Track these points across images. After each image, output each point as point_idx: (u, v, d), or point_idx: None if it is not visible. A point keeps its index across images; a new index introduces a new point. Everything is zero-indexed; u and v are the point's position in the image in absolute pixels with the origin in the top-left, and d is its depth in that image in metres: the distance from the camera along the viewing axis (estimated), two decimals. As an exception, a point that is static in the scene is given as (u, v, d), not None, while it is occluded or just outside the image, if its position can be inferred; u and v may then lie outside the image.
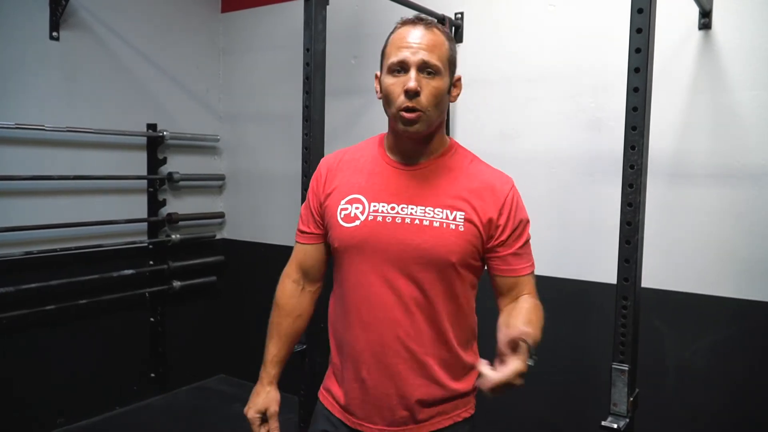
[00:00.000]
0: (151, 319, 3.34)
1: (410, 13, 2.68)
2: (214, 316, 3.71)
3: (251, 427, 1.35)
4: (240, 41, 3.66)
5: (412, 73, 1.19)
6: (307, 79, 1.98)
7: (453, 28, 2.78)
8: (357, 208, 1.27)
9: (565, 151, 2.54)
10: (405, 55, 1.20)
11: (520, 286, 1.29)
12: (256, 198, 3.63)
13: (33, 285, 2.76)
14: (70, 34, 2.96)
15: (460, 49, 2.80)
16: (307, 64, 1.98)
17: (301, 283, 1.42)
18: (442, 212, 1.24)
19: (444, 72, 1.22)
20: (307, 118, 1.99)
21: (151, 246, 3.31)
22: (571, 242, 2.53)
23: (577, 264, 2.52)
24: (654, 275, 2.32)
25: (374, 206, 1.26)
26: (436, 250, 1.22)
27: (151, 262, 3.31)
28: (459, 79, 1.30)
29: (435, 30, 1.23)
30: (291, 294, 1.41)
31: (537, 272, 2.09)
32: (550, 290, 2.57)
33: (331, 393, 1.37)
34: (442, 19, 2.71)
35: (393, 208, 1.25)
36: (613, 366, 1.45)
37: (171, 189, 3.44)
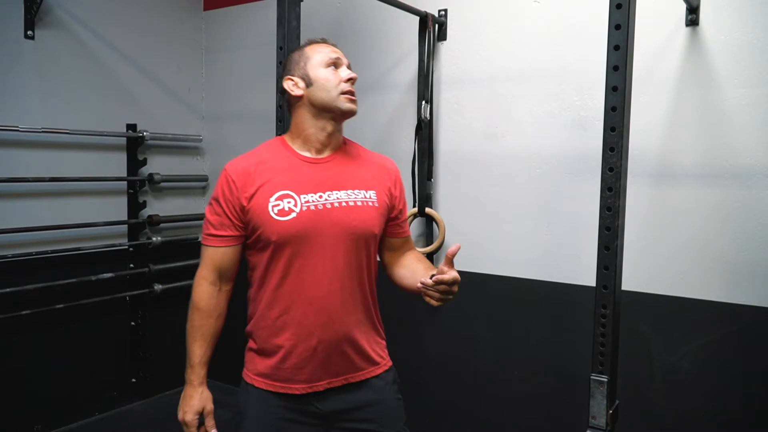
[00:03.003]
0: (132, 323, 3.28)
1: (392, 11, 2.64)
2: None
3: (189, 430, 1.46)
4: (223, 39, 3.60)
5: (348, 68, 1.55)
6: (280, 78, 1.91)
7: (436, 25, 2.72)
8: (289, 202, 1.44)
9: (550, 150, 2.48)
10: (336, 55, 1.53)
11: (408, 243, 1.68)
12: (240, 199, 3.56)
13: (8, 290, 2.69)
14: (46, 33, 2.89)
15: (444, 47, 2.74)
16: (280, 63, 1.91)
17: (218, 284, 1.52)
18: (360, 193, 1.50)
19: None
20: (280, 119, 1.93)
21: (131, 249, 3.24)
22: (557, 244, 2.48)
23: (563, 267, 2.46)
24: (639, 278, 2.27)
25: (304, 198, 1.45)
26: (365, 224, 1.49)
27: (131, 265, 3.24)
28: None
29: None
30: (210, 296, 1.51)
31: (524, 275, 2.32)
32: (536, 293, 2.53)
33: (263, 374, 1.50)
34: (425, 16, 2.65)
35: (321, 197, 1.46)
36: (592, 377, 1.39)
37: (152, 190, 3.37)
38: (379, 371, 1.57)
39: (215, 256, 1.49)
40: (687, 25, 2.17)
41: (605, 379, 1.38)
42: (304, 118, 1.53)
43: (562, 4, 2.43)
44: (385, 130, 2.93)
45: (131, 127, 3.23)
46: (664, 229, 2.25)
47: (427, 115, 2.67)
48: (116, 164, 3.20)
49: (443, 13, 2.73)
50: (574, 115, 2.41)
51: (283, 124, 1.92)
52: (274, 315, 1.48)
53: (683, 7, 2.15)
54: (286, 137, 1.57)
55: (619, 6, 1.33)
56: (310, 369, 1.47)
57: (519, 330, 2.58)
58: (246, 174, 1.46)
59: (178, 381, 3.75)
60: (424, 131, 2.69)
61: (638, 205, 2.27)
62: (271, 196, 1.44)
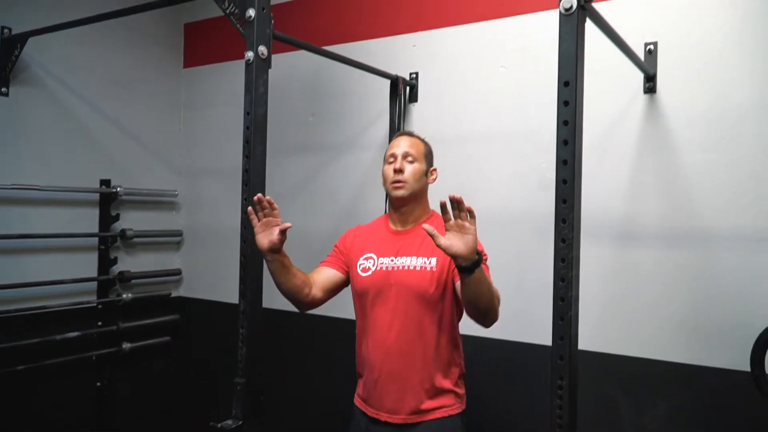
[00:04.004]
0: (98, 384, 3.20)
1: (366, 75, 2.71)
2: (168, 377, 3.57)
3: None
4: (202, 96, 3.64)
5: (399, 159, 1.93)
6: (246, 142, 1.93)
7: (408, 87, 2.78)
8: (370, 261, 1.95)
9: (519, 210, 2.52)
10: (394, 150, 1.97)
11: None
12: (215, 254, 3.54)
13: (-33, 351, 2.63)
14: (21, 89, 2.91)
15: (415, 108, 2.80)
16: (247, 128, 1.93)
17: (309, 285, 1.95)
18: (422, 259, 1.89)
19: (420, 160, 1.97)
20: (246, 183, 1.94)
21: (100, 306, 3.19)
22: (527, 304, 2.48)
23: (535, 327, 2.46)
24: (606, 339, 2.28)
25: (381, 260, 1.94)
26: (419, 285, 1.86)
27: (99, 323, 3.19)
28: (435, 170, 2.04)
29: (414, 135, 2.04)
30: (305, 277, 1.95)
31: (494, 335, 2.34)
32: (508, 354, 2.52)
33: (359, 395, 2.01)
34: (396, 79, 2.71)
35: (392, 260, 1.92)
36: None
37: (124, 246, 3.35)
38: (434, 416, 1.87)
39: (316, 270, 2.03)
40: (645, 92, 2.25)
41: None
42: (388, 205, 2.08)
43: (528, 70, 2.51)
44: (358, 188, 2.96)
45: (105, 182, 3.23)
46: (628, 289, 2.27)
47: (398, 175, 2.71)
48: (88, 220, 3.19)
49: (414, 75, 2.80)
50: (541, 176, 2.46)
51: (248, 188, 1.93)
52: (359, 347, 1.99)
53: (641, 75, 2.22)
54: (388, 213, 2.08)
55: (566, 84, 1.38)
56: (375, 398, 1.91)
57: (490, 390, 2.55)
58: (353, 236, 2.06)
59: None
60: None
61: (603, 266, 2.30)
62: (361, 256, 1.97)
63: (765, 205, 2.05)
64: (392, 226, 2.00)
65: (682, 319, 2.17)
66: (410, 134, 2.03)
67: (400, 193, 1.91)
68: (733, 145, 2.09)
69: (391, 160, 1.95)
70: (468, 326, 2.60)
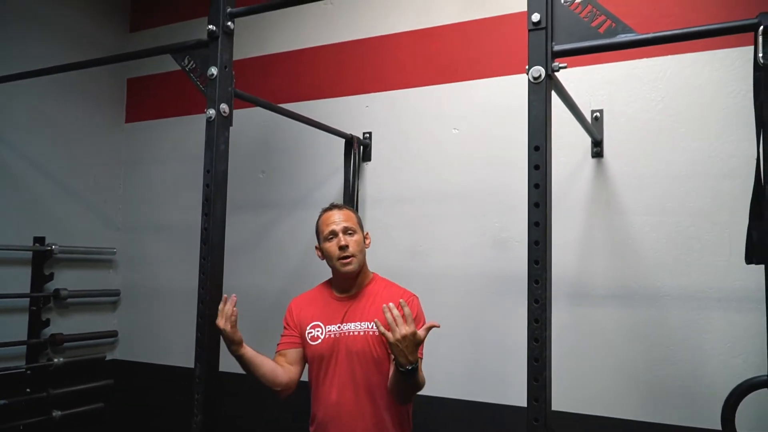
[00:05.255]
0: (24, 457, 2.94)
1: (319, 133, 2.72)
2: (100, 448, 3.32)
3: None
4: (143, 152, 3.55)
5: (341, 235, 2.00)
6: (206, 200, 1.89)
7: (362, 147, 2.81)
8: (318, 330, 2.01)
9: (474, 269, 2.55)
10: (332, 228, 2.01)
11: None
12: (154, 315, 3.38)
13: None
14: (-48, 143, 2.75)
15: (369, 167, 2.82)
16: (207, 186, 1.89)
17: (281, 364, 2.01)
18: (366, 324, 1.97)
19: (358, 230, 2.04)
20: (205, 241, 1.88)
21: (29, 372, 2.96)
22: (482, 363, 2.48)
23: (489, 386, 2.46)
24: (563, 397, 2.29)
25: (329, 328, 2.00)
26: (364, 349, 1.94)
27: (28, 390, 2.95)
28: (368, 233, 2.11)
29: (343, 207, 2.10)
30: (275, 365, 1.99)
31: (449, 395, 2.46)
32: (462, 413, 2.49)
33: None
34: (350, 139, 2.74)
35: (339, 327, 1.99)
36: None
37: (57, 307, 3.15)
38: None
39: (281, 355, 2.05)
40: (593, 156, 2.36)
41: None
42: (331, 272, 2.09)
43: (479, 133, 2.59)
44: (310, 246, 2.91)
45: (39, 239, 3.06)
46: (582, 347, 2.32)
47: (353, 234, 2.70)
48: (20, 279, 2.99)
49: (368, 135, 2.84)
50: (496, 235, 2.51)
51: (207, 247, 1.87)
52: (312, 410, 2.03)
53: (588, 140, 2.34)
54: (330, 279, 2.13)
55: (537, 148, 1.43)
56: None
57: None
58: (298, 308, 2.10)
59: None
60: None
61: (558, 324, 2.32)
62: (308, 325, 2.04)
63: (706, 265, 2.15)
64: (336, 293, 2.07)
65: (633, 375, 2.22)
66: (339, 207, 2.09)
67: (350, 268, 1.98)
68: (677, 207, 2.21)
69: (331, 237, 2.00)
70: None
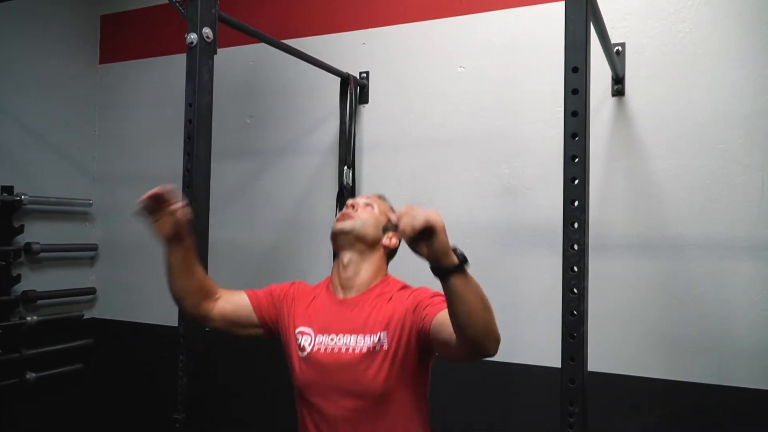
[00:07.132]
0: (-4, 421, 2.76)
1: (311, 69, 2.48)
2: (80, 411, 3.14)
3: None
4: (119, 95, 3.28)
5: (357, 202, 1.65)
6: (188, 138, 1.67)
7: (358, 87, 2.58)
8: (307, 338, 1.56)
9: (479, 219, 2.36)
10: (354, 200, 1.68)
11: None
12: (134, 271, 3.17)
13: None
14: None
15: (366, 110, 2.60)
16: (189, 122, 1.68)
17: (211, 295, 1.62)
18: (369, 338, 1.49)
19: (379, 210, 1.64)
20: (188, 184, 1.67)
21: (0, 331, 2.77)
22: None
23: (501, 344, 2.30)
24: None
25: (319, 339, 1.54)
26: (359, 380, 1.48)
27: (-1, 351, 2.76)
28: (396, 235, 1.58)
29: (381, 197, 1.72)
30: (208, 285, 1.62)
31: None
32: (470, 373, 2.34)
33: None
34: (346, 78, 2.51)
35: (332, 340, 1.52)
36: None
37: (29, 262, 2.92)
38: None
39: (238, 292, 1.67)
40: (613, 95, 2.16)
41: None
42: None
43: (487, 71, 2.38)
44: (303, 196, 2.72)
45: (7, 189, 2.82)
46: (600, 302, 2.15)
47: (350, 181, 2.49)
48: (-14, 232, 2.76)
49: (365, 75, 2.60)
50: (504, 183, 2.32)
51: (191, 190, 1.66)
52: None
53: (609, 76, 2.13)
54: (331, 275, 1.68)
55: (575, 69, 1.23)
56: None
57: (456, 409, 2.37)
58: (294, 294, 1.67)
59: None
60: (346, 198, 2.50)
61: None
62: (296, 327, 1.59)
63: (735, 212, 1.99)
64: (334, 293, 1.61)
65: (652, 331, 2.08)
66: (378, 195, 1.73)
67: (341, 225, 1.57)
68: (704, 149, 2.03)
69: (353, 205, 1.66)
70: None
